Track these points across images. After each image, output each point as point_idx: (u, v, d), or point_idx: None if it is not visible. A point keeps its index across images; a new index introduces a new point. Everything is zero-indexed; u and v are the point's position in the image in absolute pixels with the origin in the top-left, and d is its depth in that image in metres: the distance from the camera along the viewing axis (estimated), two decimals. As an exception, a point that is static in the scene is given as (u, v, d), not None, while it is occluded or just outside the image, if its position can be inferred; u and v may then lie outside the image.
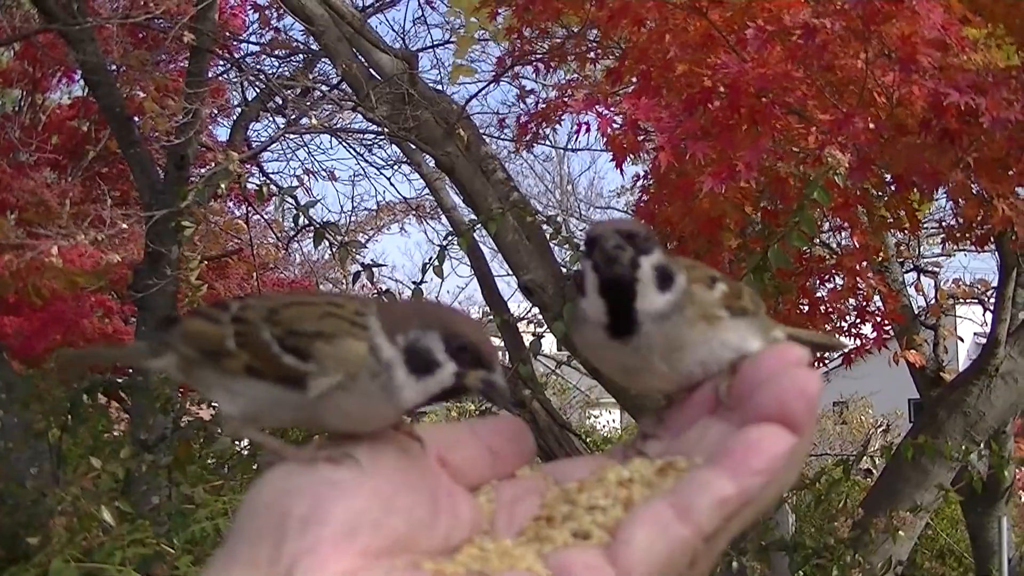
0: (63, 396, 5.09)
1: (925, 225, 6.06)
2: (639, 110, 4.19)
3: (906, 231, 4.97)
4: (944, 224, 4.93)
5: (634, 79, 4.87)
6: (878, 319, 4.66)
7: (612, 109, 4.42)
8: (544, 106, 5.53)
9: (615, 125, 4.35)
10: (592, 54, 5.85)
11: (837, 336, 4.58)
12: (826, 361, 5.12)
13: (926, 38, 3.82)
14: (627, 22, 4.70)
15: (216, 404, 0.91)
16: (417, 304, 0.84)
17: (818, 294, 4.77)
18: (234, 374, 0.85)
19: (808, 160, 4.11)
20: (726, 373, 0.86)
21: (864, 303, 4.67)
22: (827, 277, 4.73)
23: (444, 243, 5.23)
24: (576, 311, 0.92)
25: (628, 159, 4.57)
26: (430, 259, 5.05)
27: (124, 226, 7.65)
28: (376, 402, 0.80)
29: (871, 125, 3.98)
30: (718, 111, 4.13)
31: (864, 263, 4.61)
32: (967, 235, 4.81)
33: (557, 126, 5.41)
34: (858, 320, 4.68)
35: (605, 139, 4.43)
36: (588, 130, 4.54)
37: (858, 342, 4.75)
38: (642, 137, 4.42)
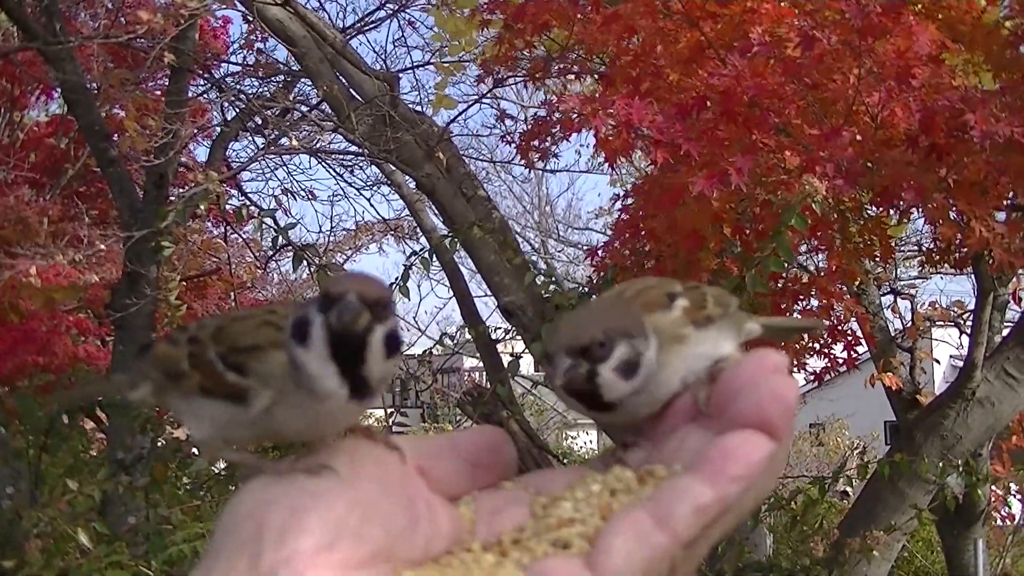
0: (41, 416, 5.05)
1: (902, 248, 6.10)
2: (633, 111, 4.20)
3: (878, 259, 4.99)
4: (923, 247, 4.95)
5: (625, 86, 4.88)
6: (849, 339, 4.68)
7: (607, 111, 4.42)
8: (535, 125, 5.52)
9: (609, 126, 4.35)
10: (576, 69, 5.88)
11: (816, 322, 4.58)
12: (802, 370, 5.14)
13: (919, 54, 3.86)
14: (618, 28, 4.72)
15: (189, 431, 0.91)
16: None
17: (793, 315, 4.78)
18: (191, 395, 0.86)
19: (788, 183, 4.12)
20: (704, 382, 0.87)
21: (837, 324, 4.68)
22: (802, 298, 4.74)
23: (408, 263, 5.22)
24: (551, 382, 0.92)
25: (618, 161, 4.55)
26: (396, 279, 5.05)
27: (103, 248, 7.62)
28: (311, 406, 0.80)
29: (858, 137, 4.01)
30: (711, 119, 4.15)
31: (839, 286, 4.63)
32: (945, 257, 4.84)
33: (566, 141, 5.39)
34: (830, 340, 4.70)
35: (596, 140, 4.42)
36: (579, 128, 4.52)
37: (827, 362, 4.77)
38: (634, 137, 4.41)
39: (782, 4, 4.34)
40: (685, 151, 3.94)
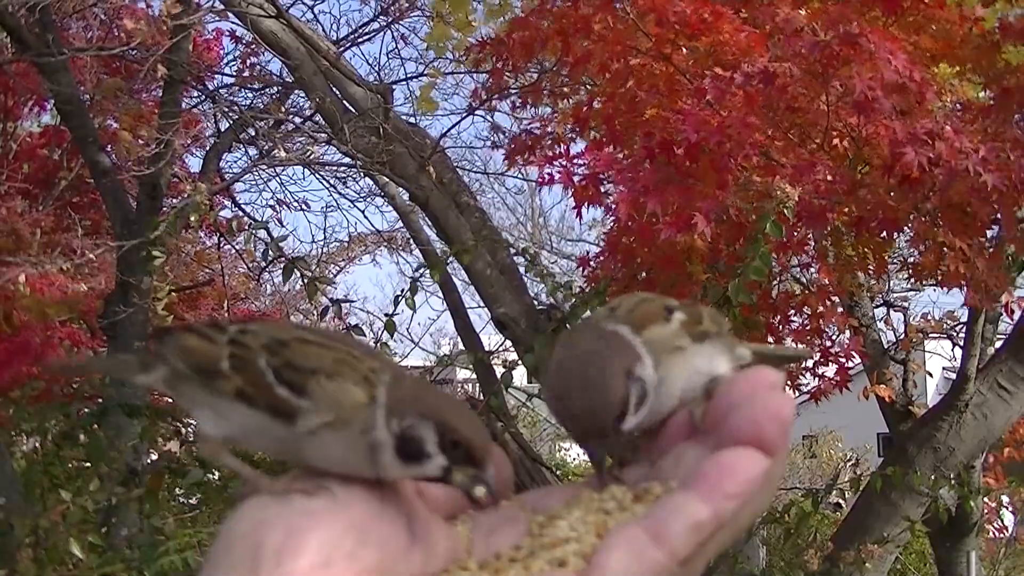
0: (55, 425, 5.04)
1: (894, 260, 6.10)
2: (599, 162, 4.22)
3: (871, 272, 4.98)
4: (910, 262, 4.94)
5: (597, 127, 4.89)
6: (841, 359, 4.66)
7: (574, 161, 4.44)
8: (528, 138, 5.53)
9: (576, 177, 4.37)
10: (566, 89, 5.88)
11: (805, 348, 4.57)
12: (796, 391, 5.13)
13: (886, 82, 3.84)
14: (592, 66, 4.74)
15: (198, 423, 0.89)
16: (422, 389, 0.83)
17: (783, 331, 4.78)
18: (223, 396, 0.84)
19: (760, 195, 4.14)
20: (700, 398, 0.87)
21: (828, 344, 4.68)
22: (792, 314, 4.73)
23: (416, 275, 5.25)
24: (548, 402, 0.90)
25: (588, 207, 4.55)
26: (402, 291, 5.07)
27: (92, 257, 7.61)
28: (358, 458, 0.79)
29: (828, 177, 4.00)
30: (679, 161, 4.14)
31: (829, 301, 4.62)
32: (932, 274, 4.83)
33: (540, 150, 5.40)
34: (821, 360, 4.70)
35: (570, 189, 4.43)
36: (552, 182, 4.53)
37: (819, 383, 4.76)
38: (605, 189, 4.42)
39: (745, 35, 4.33)
40: (651, 208, 3.94)
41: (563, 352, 0.89)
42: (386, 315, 5.16)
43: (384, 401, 0.80)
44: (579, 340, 0.89)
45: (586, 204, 4.42)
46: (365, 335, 5.22)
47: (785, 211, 3.81)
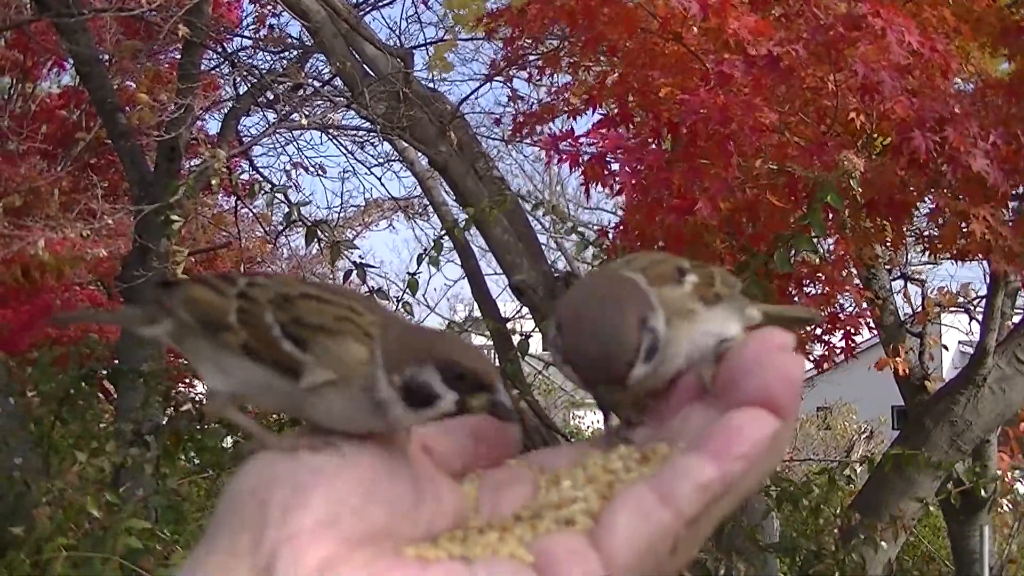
0: (58, 383, 5.05)
1: (911, 233, 6.07)
2: (607, 141, 4.20)
3: (889, 245, 4.95)
4: (925, 235, 4.90)
5: (609, 105, 4.86)
6: (848, 328, 4.64)
7: (582, 140, 4.43)
8: (539, 109, 5.53)
9: (583, 158, 4.36)
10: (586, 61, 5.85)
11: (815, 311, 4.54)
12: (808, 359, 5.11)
13: (892, 63, 3.79)
14: (604, 45, 4.71)
15: (203, 378, 0.88)
16: (412, 336, 0.82)
17: (796, 301, 4.75)
18: (230, 350, 0.83)
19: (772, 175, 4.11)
20: (710, 361, 0.86)
21: (838, 313, 4.65)
22: (807, 284, 4.71)
23: (441, 233, 5.29)
24: (556, 355, 0.89)
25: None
26: (426, 249, 5.09)
27: (110, 221, 7.64)
28: (363, 414, 0.79)
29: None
30: (688, 142, 4.11)
31: (845, 272, 4.60)
32: (948, 247, 4.81)
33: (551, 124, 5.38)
34: (829, 327, 4.68)
35: (578, 169, 4.42)
36: (561, 161, 4.51)
37: (825, 351, 4.74)
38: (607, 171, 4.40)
39: (753, 21, 4.29)
40: (654, 191, 3.93)
41: (579, 295, 0.88)
42: (409, 273, 5.20)
43: (380, 360, 0.80)
44: (596, 284, 0.89)
45: (594, 183, 4.39)
46: (388, 299, 5.24)
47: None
